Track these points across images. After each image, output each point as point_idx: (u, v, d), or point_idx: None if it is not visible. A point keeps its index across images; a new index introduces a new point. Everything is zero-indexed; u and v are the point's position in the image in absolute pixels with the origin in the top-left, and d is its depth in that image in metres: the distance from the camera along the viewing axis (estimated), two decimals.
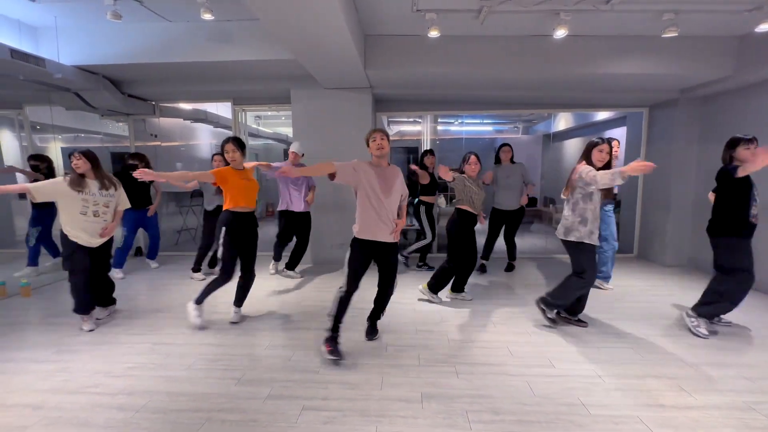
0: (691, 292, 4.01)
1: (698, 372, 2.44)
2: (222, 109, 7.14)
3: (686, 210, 4.99)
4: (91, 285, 3.13)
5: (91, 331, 3.10)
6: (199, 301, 3.13)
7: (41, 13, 3.85)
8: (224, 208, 3.06)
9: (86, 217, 3.01)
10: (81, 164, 3.02)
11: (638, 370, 2.47)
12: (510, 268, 4.87)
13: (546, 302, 3.07)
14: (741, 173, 2.71)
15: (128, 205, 3.30)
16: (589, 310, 3.21)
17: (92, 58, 4.22)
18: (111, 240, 3.27)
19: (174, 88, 4.96)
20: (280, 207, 4.39)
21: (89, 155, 3.08)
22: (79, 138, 6.60)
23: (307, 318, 3.34)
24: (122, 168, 4.68)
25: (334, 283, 4.34)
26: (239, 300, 3.27)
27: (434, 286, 3.65)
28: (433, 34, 3.52)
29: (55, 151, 5.62)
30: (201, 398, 2.19)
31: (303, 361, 2.59)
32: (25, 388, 2.29)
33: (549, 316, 3.08)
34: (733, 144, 2.90)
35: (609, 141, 2.94)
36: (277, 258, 4.64)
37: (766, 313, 3.36)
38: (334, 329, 2.63)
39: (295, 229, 4.46)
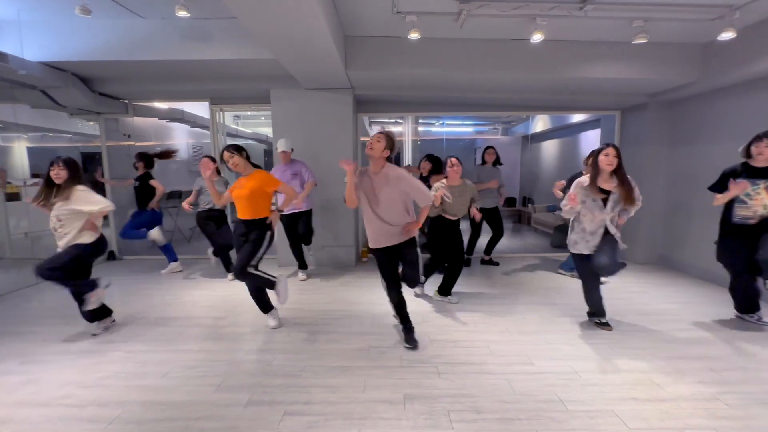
0: (663, 288, 4.17)
1: (669, 365, 2.54)
2: (199, 108, 6.97)
3: (657, 209, 5.18)
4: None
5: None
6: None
7: (2, 6, 3.65)
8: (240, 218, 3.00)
9: (55, 233, 2.85)
10: (63, 174, 2.77)
11: (613, 365, 2.55)
12: (491, 262, 5.08)
13: (594, 314, 3.18)
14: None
15: (94, 207, 2.82)
16: (566, 307, 3.30)
17: (60, 54, 4.03)
18: None
19: (148, 86, 4.80)
20: (285, 211, 3.86)
21: (73, 166, 2.84)
22: (46, 137, 6.31)
23: (288, 321, 3.29)
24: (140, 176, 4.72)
25: (319, 285, 4.31)
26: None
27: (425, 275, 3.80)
28: (414, 36, 3.54)
29: (19, 151, 5.36)
30: (178, 407, 2.13)
31: (284, 366, 2.56)
32: None
33: (604, 322, 3.15)
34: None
35: (608, 145, 2.85)
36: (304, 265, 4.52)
37: (730, 307, 3.53)
38: (406, 323, 2.84)
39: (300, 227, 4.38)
